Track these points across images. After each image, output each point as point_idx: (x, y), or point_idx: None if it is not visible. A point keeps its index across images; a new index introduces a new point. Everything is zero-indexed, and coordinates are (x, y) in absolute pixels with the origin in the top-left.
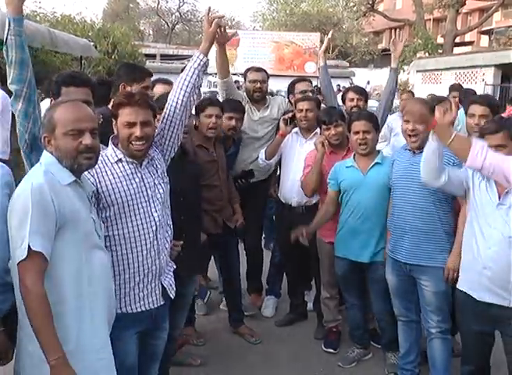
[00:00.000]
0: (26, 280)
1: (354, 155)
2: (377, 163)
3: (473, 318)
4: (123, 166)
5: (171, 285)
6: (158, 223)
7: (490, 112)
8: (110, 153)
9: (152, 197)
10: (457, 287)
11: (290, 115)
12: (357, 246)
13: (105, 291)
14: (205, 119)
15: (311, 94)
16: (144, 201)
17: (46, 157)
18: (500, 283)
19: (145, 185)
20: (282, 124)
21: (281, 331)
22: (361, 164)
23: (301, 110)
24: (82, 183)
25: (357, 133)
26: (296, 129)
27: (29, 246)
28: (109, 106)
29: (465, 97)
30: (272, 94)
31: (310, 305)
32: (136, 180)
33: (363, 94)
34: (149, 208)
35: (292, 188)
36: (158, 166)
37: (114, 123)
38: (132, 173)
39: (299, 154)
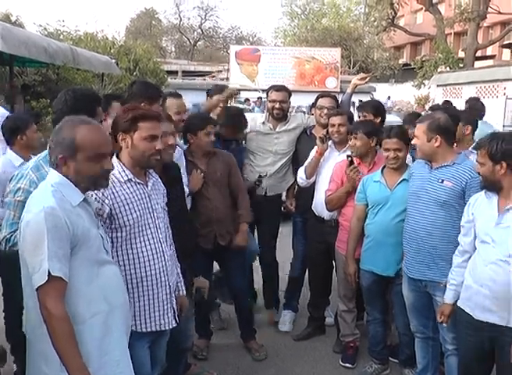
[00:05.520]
0: (48, 304)
1: (383, 168)
2: (404, 179)
3: (472, 335)
4: (132, 187)
5: (175, 309)
6: (164, 244)
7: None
8: (119, 172)
9: (158, 218)
10: (457, 304)
11: (325, 132)
12: (383, 260)
13: (121, 304)
14: (206, 137)
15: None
16: (151, 222)
17: (54, 177)
18: (498, 302)
19: (152, 206)
20: (318, 142)
21: (298, 345)
22: (389, 179)
23: (333, 125)
24: (89, 201)
25: (388, 150)
26: (330, 142)
27: (48, 271)
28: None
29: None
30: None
31: (329, 320)
32: (145, 200)
33: (376, 109)
34: (156, 228)
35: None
36: (161, 188)
37: (123, 137)
38: (140, 193)
39: (332, 168)
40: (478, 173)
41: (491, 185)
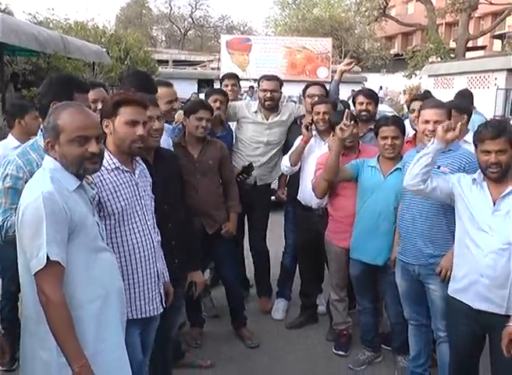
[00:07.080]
0: (45, 289)
1: (378, 156)
2: (398, 168)
3: (465, 323)
4: (120, 175)
5: (162, 295)
6: (152, 231)
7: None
8: (106, 160)
9: (145, 205)
10: (449, 294)
11: (310, 120)
12: (373, 249)
13: (116, 291)
14: (196, 121)
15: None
16: (139, 209)
17: (49, 162)
18: (497, 291)
19: (139, 194)
20: (303, 130)
21: (291, 334)
22: (384, 167)
23: (318, 113)
24: (85, 188)
25: (385, 138)
26: (314, 132)
27: (47, 255)
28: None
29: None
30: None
31: (321, 309)
32: (133, 188)
33: (373, 97)
34: (144, 216)
35: (312, 190)
36: (147, 177)
37: (106, 123)
38: (128, 181)
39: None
40: (496, 163)
41: (506, 173)
